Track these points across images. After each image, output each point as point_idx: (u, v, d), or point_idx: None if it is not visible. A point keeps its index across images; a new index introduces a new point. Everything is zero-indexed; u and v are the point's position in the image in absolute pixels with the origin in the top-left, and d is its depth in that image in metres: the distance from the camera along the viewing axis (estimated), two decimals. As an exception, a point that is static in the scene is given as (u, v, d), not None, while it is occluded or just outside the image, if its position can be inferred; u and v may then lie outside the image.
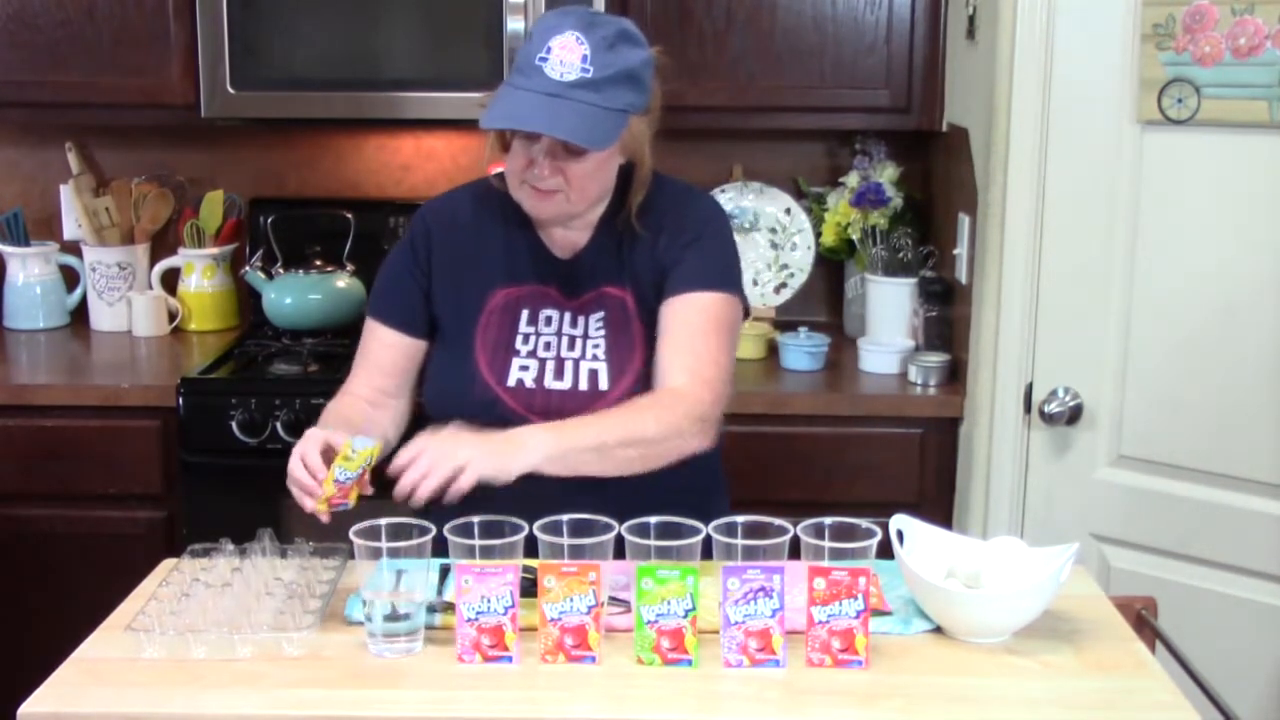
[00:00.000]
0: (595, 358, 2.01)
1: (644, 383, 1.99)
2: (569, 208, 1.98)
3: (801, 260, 3.30)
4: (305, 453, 1.87)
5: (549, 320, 2.04)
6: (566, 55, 1.86)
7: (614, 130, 1.90)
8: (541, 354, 2.01)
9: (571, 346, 2.02)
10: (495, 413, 1.97)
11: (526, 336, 2.03)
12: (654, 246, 2.03)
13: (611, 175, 2.00)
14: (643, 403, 1.94)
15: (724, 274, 2.03)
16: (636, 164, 2.01)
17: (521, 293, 2.05)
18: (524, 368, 2.01)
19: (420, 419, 2.23)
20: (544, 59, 1.86)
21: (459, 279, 2.07)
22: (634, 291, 2.04)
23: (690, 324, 1.98)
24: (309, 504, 1.85)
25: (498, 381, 2.00)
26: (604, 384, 2.00)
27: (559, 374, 2.00)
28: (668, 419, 1.90)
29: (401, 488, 1.79)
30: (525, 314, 2.04)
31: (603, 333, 2.02)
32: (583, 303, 2.05)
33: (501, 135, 1.99)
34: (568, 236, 2.05)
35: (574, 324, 2.03)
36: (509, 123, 1.90)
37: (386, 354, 2.11)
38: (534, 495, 1.82)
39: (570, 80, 1.86)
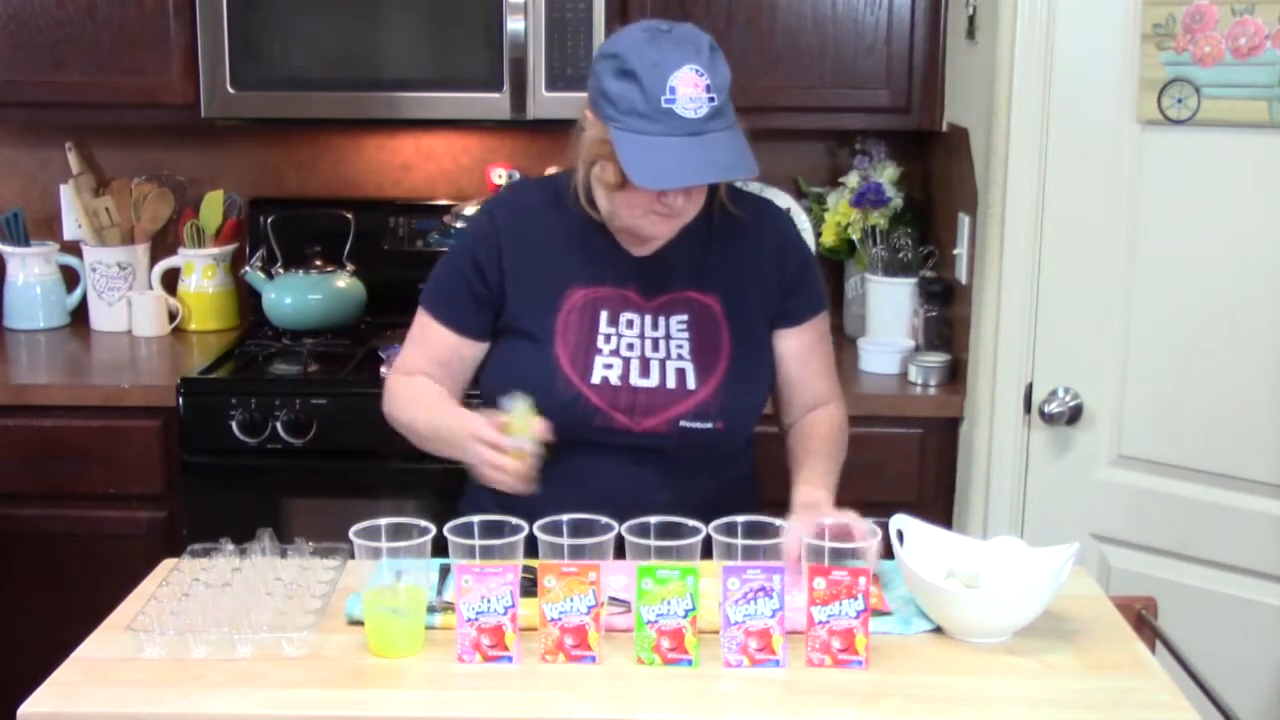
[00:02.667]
0: (680, 357, 2.03)
1: (729, 385, 2.02)
2: (684, 221, 2.00)
3: (801, 260, 3.30)
4: (481, 433, 1.88)
5: (630, 323, 2.03)
6: (692, 91, 1.85)
7: (748, 145, 1.92)
8: (625, 353, 2.02)
9: (656, 348, 2.03)
10: (578, 408, 1.98)
11: (608, 336, 2.02)
12: (751, 256, 2.08)
13: None
14: (830, 432, 2.13)
15: (824, 287, 2.20)
16: None
17: (600, 294, 2.04)
18: (608, 366, 2.00)
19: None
20: (671, 101, 1.84)
21: (535, 274, 2.04)
22: (722, 296, 2.06)
23: (822, 345, 2.16)
24: (509, 480, 1.87)
25: (581, 379, 1.99)
26: (691, 383, 2.01)
27: (645, 372, 2.01)
28: (845, 439, 2.17)
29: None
30: (605, 315, 2.03)
31: (686, 334, 2.04)
32: (662, 304, 2.05)
33: (620, 172, 1.90)
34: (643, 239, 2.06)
35: (655, 326, 2.04)
36: (684, 180, 1.87)
37: (448, 352, 2.09)
38: (603, 492, 1.92)
39: (704, 115, 1.86)
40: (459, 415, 1.98)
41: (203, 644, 1.67)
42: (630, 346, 2.02)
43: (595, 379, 1.99)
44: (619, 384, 2.00)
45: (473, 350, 2.09)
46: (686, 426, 2.00)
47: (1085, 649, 1.72)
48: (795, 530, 1.83)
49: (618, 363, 2.01)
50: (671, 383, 2.00)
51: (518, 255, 2.05)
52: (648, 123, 1.86)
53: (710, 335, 2.04)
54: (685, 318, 2.04)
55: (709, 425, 2.01)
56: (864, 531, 1.82)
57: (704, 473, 2.05)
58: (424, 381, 2.09)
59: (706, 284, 2.06)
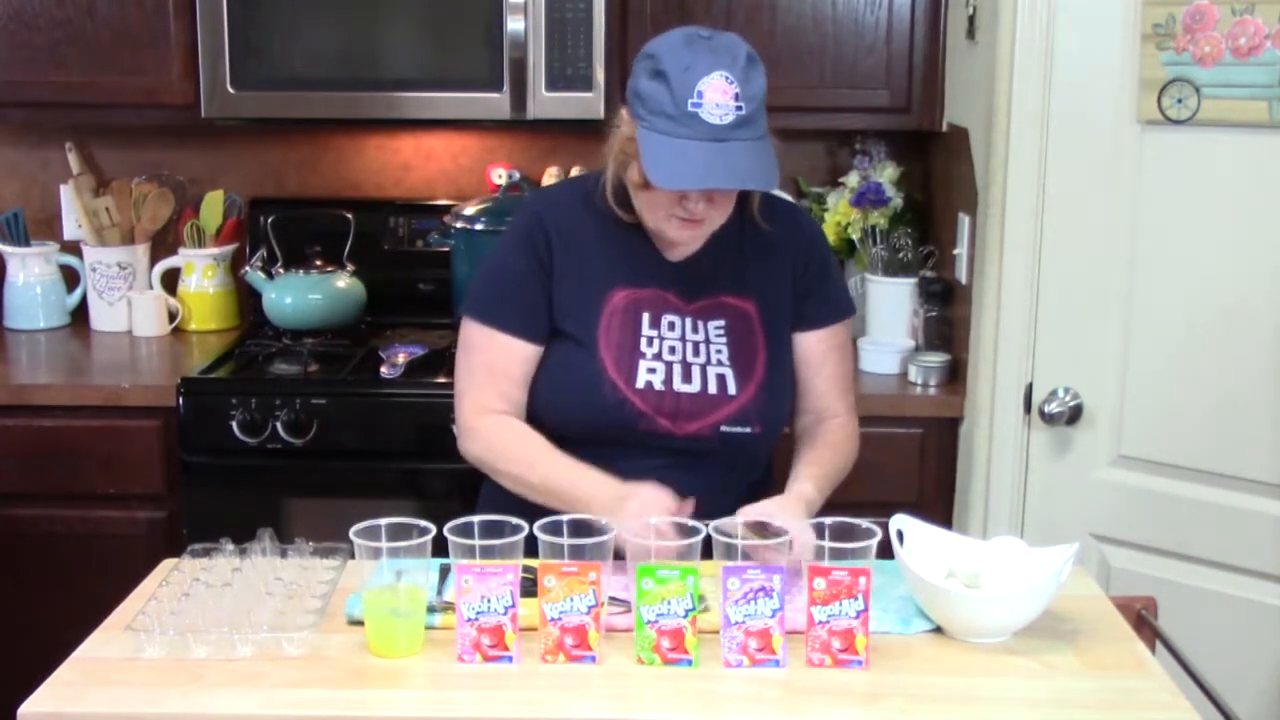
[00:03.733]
0: (720, 362, 2.04)
1: (766, 390, 2.04)
2: (710, 229, 2.00)
3: (801, 260, 3.29)
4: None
5: (672, 325, 2.04)
6: (720, 98, 1.85)
7: (774, 159, 1.92)
8: (667, 357, 2.02)
9: (696, 352, 2.03)
10: (623, 413, 1.99)
11: (650, 339, 2.03)
12: (781, 261, 2.09)
13: None
14: (838, 442, 2.13)
15: (849, 296, 2.21)
16: None
17: (641, 295, 2.05)
18: (652, 370, 2.01)
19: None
20: (698, 105, 1.85)
21: (579, 277, 2.04)
22: (757, 303, 2.08)
23: (837, 354, 2.15)
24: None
25: (626, 383, 2.00)
26: (732, 389, 2.02)
27: (687, 377, 2.02)
28: (851, 459, 2.16)
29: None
30: (647, 317, 2.04)
31: (724, 339, 2.05)
32: (700, 309, 2.06)
33: (643, 172, 1.91)
34: (681, 245, 2.07)
35: (695, 329, 2.05)
36: (697, 182, 1.88)
37: (518, 366, 2.04)
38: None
39: (729, 122, 1.86)
40: (616, 493, 1.90)
41: (203, 644, 1.67)
42: (672, 350, 2.03)
43: (639, 383, 2.00)
44: (662, 389, 2.01)
45: (539, 356, 2.06)
46: (727, 431, 2.02)
47: (1085, 649, 1.72)
48: (791, 525, 1.83)
49: (660, 367, 2.01)
50: (713, 388, 2.02)
51: (566, 257, 2.05)
52: (672, 124, 1.86)
53: (747, 340, 2.06)
54: (723, 323, 2.06)
55: (748, 430, 2.03)
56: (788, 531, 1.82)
57: (736, 475, 2.07)
58: (526, 431, 2.03)
59: (743, 289, 2.08)
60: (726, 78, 1.86)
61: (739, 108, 1.86)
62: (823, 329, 2.12)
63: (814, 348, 2.12)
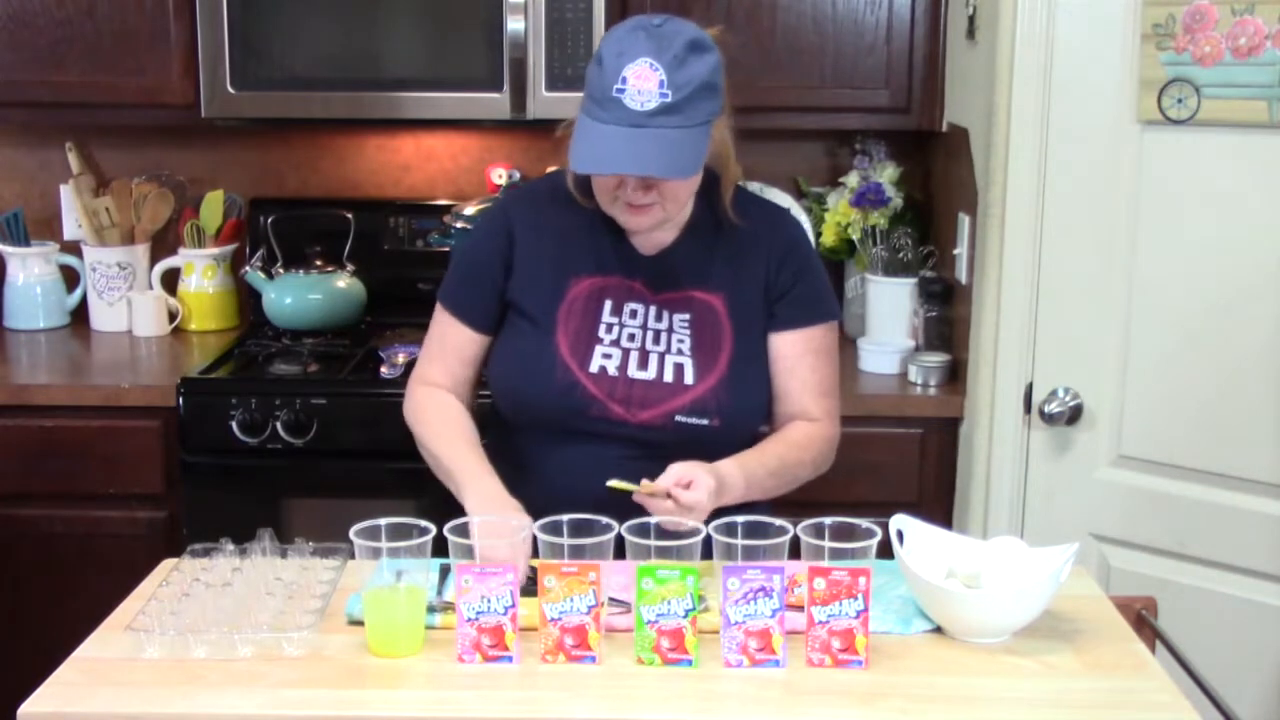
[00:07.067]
0: (680, 352, 2.04)
1: (728, 384, 2.03)
2: (664, 216, 2.01)
3: (801, 260, 3.29)
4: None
5: (634, 313, 2.05)
6: (643, 84, 1.86)
7: (700, 149, 1.92)
8: (625, 344, 2.03)
9: (656, 340, 2.04)
10: (574, 396, 2.00)
11: (610, 326, 2.04)
12: (754, 260, 2.09)
13: (700, 177, 2.02)
14: (797, 440, 2.07)
15: (831, 301, 2.16)
16: (723, 162, 2.05)
17: (606, 283, 2.06)
18: (607, 355, 2.02)
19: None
20: (621, 90, 1.87)
21: (541, 266, 2.07)
22: (727, 298, 2.07)
23: (812, 358, 2.10)
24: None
25: (580, 367, 2.01)
26: (689, 379, 2.02)
27: (643, 364, 2.02)
28: (815, 462, 2.10)
29: (669, 517, 1.83)
30: (609, 304, 2.05)
31: (688, 331, 2.05)
32: (667, 300, 2.06)
33: None
34: (652, 237, 2.08)
35: (659, 319, 2.05)
36: (601, 167, 1.91)
37: (466, 347, 2.12)
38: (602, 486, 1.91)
39: (651, 109, 1.87)
40: (480, 494, 1.93)
41: (203, 644, 1.67)
42: (632, 337, 2.03)
43: (593, 368, 2.01)
44: (616, 374, 2.01)
45: (487, 344, 2.13)
46: (683, 421, 2.01)
47: (1085, 649, 1.72)
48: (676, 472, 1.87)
49: (617, 353, 2.02)
50: (669, 377, 2.01)
51: (528, 247, 2.08)
52: (598, 108, 1.90)
53: (712, 334, 2.05)
54: (688, 316, 2.06)
55: (705, 422, 2.01)
56: (695, 493, 1.85)
57: None
58: (448, 404, 2.10)
59: (712, 285, 2.07)
60: (651, 64, 1.87)
61: (664, 95, 1.87)
62: (795, 330, 2.09)
63: (786, 350, 2.10)
